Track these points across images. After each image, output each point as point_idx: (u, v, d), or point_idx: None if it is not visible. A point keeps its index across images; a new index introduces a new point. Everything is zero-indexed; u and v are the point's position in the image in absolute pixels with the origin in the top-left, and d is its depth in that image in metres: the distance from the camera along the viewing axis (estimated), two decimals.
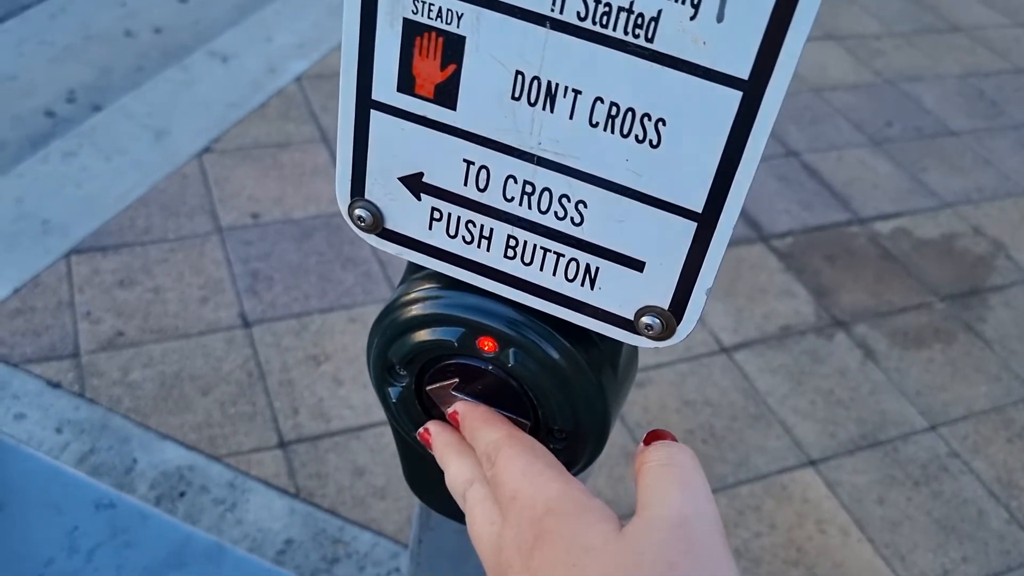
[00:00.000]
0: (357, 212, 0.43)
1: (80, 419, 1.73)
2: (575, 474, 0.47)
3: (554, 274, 0.42)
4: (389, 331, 0.46)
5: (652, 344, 0.42)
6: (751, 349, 2.09)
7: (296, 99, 2.60)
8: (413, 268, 0.47)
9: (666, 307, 0.41)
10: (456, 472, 0.46)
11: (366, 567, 1.59)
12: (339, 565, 1.59)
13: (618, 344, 0.45)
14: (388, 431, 1.83)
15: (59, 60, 2.66)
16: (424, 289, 0.45)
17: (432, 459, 0.50)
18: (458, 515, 0.57)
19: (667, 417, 1.92)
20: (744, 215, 2.38)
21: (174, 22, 2.88)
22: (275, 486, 1.68)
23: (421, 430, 0.49)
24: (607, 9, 0.34)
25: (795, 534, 1.75)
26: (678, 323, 0.41)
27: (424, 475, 0.56)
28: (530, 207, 0.40)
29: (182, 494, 1.65)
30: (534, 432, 0.46)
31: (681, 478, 0.39)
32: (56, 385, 1.78)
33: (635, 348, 0.47)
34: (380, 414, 1.82)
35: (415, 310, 0.45)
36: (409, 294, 0.45)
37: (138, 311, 1.95)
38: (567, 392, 0.44)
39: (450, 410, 0.48)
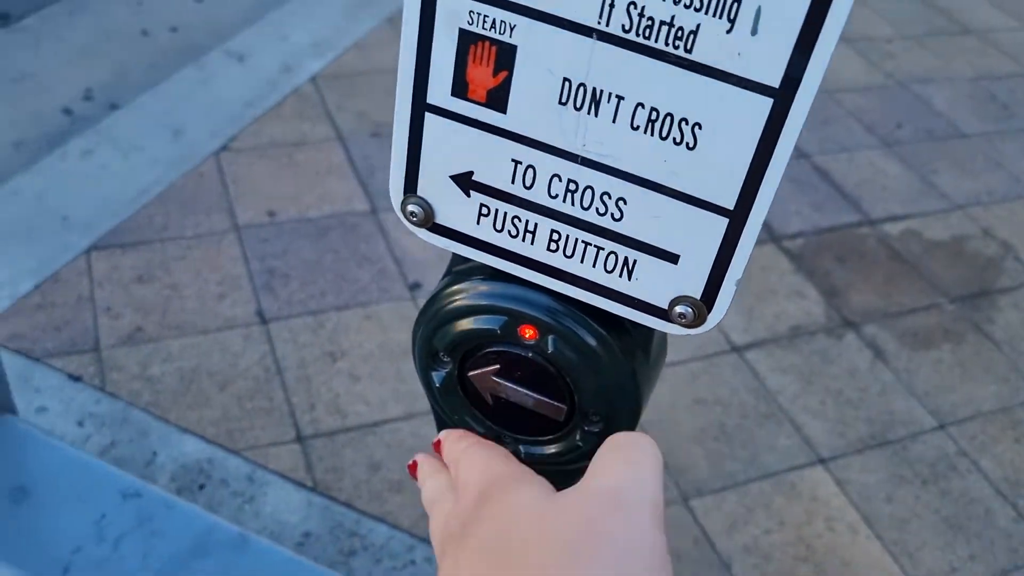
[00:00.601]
0: (410, 208, 0.46)
1: (101, 412, 1.77)
2: None
3: (594, 266, 0.45)
4: (434, 320, 0.49)
5: (684, 331, 0.45)
6: (762, 348, 2.12)
7: (312, 98, 2.63)
8: (457, 260, 0.49)
9: (698, 297, 0.44)
10: (430, 486, 0.49)
11: (382, 559, 1.62)
12: (356, 558, 1.62)
13: (649, 332, 0.48)
14: (403, 427, 1.86)
15: (76, 58, 2.70)
16: (468, 280, 0.48)
17: None
18: None
19: (678, 415, 1.94)
20: None
21: (190, 21, 2.92)
22: (292, 479, 1.71)
23: (409, 462, 0.53)
24: (650, 23, 0.37)
25: (804, 531, 1.78)
26: (709, 312, 0.44)
27: None
28: (573, 204, 0.43)
29: (202, 487, 1.68)
30: (570, 415, 0.49)
31: (628, 456, 0.41)
32: (77, 379, 1.81)
33: (664, 336, 0.49)
34: (395, 410, 1.85)
35: (460, 300, 0.47)
36: (454, 285, 0.48)
37: (157, 307, 1.98)
38: (602, 376, 0.47)
39: (435, 439, 0.52)
